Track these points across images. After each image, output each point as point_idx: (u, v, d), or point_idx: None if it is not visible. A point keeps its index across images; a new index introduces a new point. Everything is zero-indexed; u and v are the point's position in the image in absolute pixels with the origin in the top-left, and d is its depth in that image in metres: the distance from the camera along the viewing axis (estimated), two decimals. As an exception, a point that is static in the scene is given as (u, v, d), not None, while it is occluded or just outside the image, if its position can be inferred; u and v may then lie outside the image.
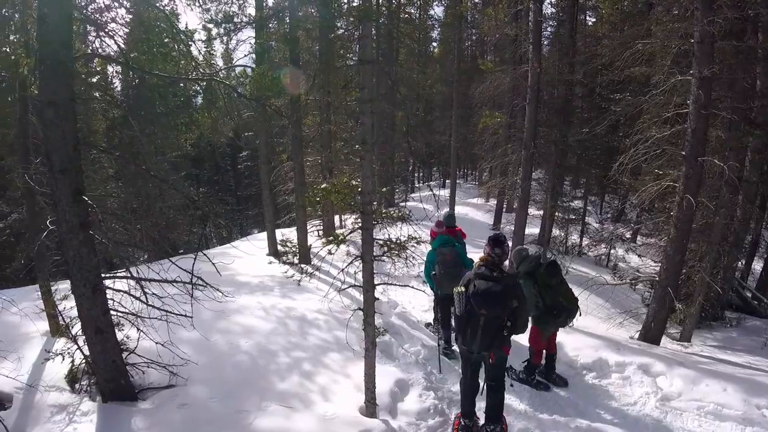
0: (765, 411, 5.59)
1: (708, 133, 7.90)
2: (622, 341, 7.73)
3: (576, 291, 10.03)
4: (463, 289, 4.67)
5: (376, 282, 4.40)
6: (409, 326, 7.84)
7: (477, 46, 29.71)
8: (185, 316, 5.00)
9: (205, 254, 5.09)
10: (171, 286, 4.98)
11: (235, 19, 9.56)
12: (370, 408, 4.83)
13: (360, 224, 3.98)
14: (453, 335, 6.54)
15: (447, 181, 27.40)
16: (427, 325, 8.04)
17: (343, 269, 4.59)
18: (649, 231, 11.20)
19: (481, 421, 5.19)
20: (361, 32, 3.89)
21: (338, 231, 15.67)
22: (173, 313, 5.01)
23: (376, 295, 8.81)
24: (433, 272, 6.84)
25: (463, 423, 5.14)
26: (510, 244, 5.94)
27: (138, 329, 5.10)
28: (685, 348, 8.81)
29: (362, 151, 3.90)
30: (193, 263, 4.85)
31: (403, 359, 6.57)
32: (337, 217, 17.18)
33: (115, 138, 16.81)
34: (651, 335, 8.29)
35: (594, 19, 16.97)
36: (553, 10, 15.64)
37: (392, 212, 4.48)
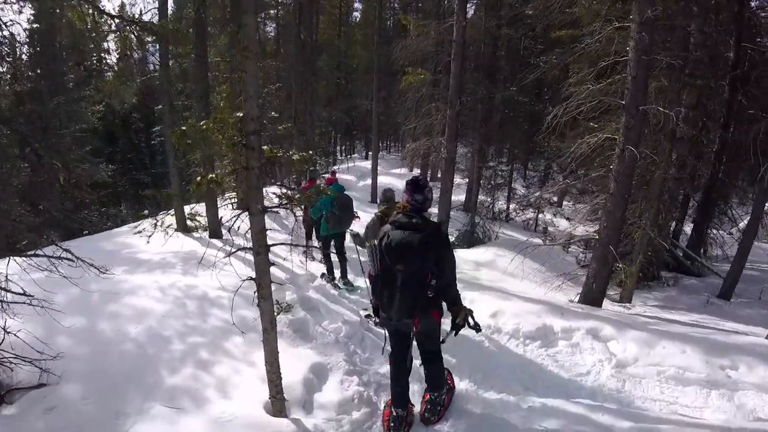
0: (729, 371, 5.17)
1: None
2: (564, 305, 7.10)
3: (509, 255, 9.69)
4: (376, 242, 3.86)
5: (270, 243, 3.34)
6: (329, 300, 6.82)
7: (401, 6, 28.75)
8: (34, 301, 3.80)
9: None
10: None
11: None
12: (277, 404, 3.77)
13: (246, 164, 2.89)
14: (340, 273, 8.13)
15: (370, 153, 26.64)
16: (322, 275, 8.31)
17: (227, 224, 3.41)
18: (578, 192, 10.75)
19: (417, 408, 4.30)
20: None
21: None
22: (27, 296, 3.99)
23: (291, 266, 7.95)
24: (329, 212, 7.80)
25: (394, 413, 4.12)
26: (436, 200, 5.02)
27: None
28: (627, 309, 8.46)
29: (244, 59, 2.78)
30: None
31: (321, 338, 5.54)
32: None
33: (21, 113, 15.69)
34: (592, 297, 7.77)
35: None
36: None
37: (293, 154, 3.34)
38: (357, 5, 33.71)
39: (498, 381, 5.21)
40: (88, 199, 18.20)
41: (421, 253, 3.63)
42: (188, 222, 10.63)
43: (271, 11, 23.85)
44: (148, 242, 8.45)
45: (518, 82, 14.04)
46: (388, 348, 4.22)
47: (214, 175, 3.02)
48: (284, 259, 7.91)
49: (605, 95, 7.62)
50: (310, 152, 3.56)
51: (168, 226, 9.77)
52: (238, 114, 2.98)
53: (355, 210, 8.38)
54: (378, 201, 6.38)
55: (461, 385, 4.95)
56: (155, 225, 9.46)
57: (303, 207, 8.24)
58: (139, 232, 9.14)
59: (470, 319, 3.86)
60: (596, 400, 4.91)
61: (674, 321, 7.40)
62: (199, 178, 3.11)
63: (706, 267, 11.99)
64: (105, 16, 5.77)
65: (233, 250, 3.35)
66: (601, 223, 7.70)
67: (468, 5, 11.90)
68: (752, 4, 11.58)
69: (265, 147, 3.12)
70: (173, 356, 4.89)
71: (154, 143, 32.81)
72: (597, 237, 7.70)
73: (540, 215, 16.34)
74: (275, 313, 3.60)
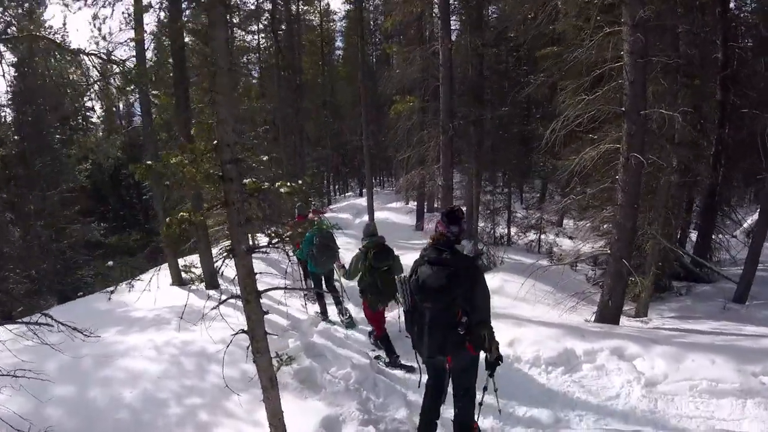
0: (762, 377, 4.89)
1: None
2: (582, 326, 6.73)
3: (517, 279, 9.34)
4: (405, 275, 3.77)
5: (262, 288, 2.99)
6: (335, 344, 6.42)
7: (384, 37, 28.98)
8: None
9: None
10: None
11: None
12: (286, 468, 3.35)
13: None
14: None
15: (364, 190, 26.47)
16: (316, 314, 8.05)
17: (218, 270, 3.07)
18: (582, 208, 10.43)
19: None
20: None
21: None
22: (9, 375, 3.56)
23: (290, 311, 7.56)
24: (310, 253, 7.65)
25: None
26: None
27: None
28: (645, 324, 8.11)
29: (213, 76, 2.49)
30: None
31: (330, 387, 5.12)
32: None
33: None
34: (609, 314, 7.39)
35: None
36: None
37: (280, 186, 3.02)
38: (339, 44, 34.06)
39: (524, 415, 4.84)
40: (82, 260, 18.02)
41: (448, 291, 3.48)
42: (183, 274, 10.27)
43: (252, 54, 23.94)
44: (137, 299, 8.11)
45: (509, 101, 13.92)
46: (424, 379, 4.07)
47: (186, 214, 2.67)
48: (279, 303, 7.60)
49: (603, 104, 7.38)
50: (299, 182, 3.23)
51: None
52: (213, 143, 2.67)
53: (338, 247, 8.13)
54: (362, 236, 6.39)
55: (485, 424, 4.56)
56: (149, 281, 9.12)
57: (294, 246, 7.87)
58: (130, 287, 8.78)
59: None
60: (630, 423, 4.63)
61: (697, 331, 7.08)
62: (168, 219, 2.77)
63: (715, 272, 11.61)
64: (77, 55, 5.51)
65: (222, 299, 2.99)
66: (612, 236, 7.38)
67: (451, 28, 11.84)
68: (731, 5, 11.53)
69: (247, 180, 2.80)
70: (169, 421, 4.52)
71: (146, 198, 32.65)
72: (609, 252, 7.36)
73: (542, 236, 15.99)
74: (275, 368, 3.21)
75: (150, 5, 8.73)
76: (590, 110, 7.38)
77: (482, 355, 3.71)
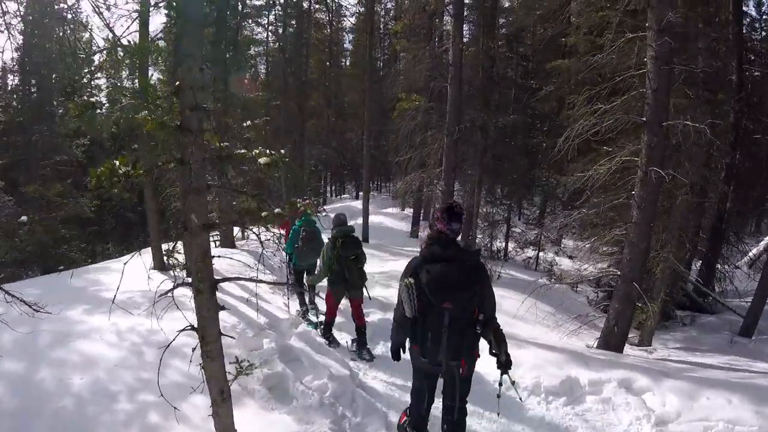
0: None
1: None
2: (586, 353, 6.15)
3: (515, 296, 8.79)
4: (411, 279, 3.37)
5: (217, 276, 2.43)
6: (314, 349, 5.80)
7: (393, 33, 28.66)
8: None
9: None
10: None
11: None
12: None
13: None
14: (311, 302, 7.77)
15: (360, 192, 25.97)
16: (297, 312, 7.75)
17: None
18: (591, 225, 9.86)
19: None
20: None
21: (239, 242, 13.74)
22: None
23: (273, 309, 7.01)
24: (296, 245, 7.48)
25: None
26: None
27: None
28: (650, 354, 7.61)
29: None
30: None
31: (302, 399, 4.51)
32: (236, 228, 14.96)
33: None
34: (614, 341, 6.87)
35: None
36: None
37: (259, 155, 2.45)
38: (347, 45, 33.70)
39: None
40: (69, 234, 17.61)
41: (470, 287, 3.35)
42: (165, 259, 9.76)
43: (260, 47, 23.54)
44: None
45: (516, 110, 13.47)
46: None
47: (125, 167, 2.06)
48: (256, 297, 7.05)
49: (621, 114, 6.87)
50: (282, 152, 2.66)
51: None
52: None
53: None
54: (332, 225, 6.34)
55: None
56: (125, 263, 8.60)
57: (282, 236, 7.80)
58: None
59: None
60: (639, 467, 4.03)
61: (708, 365, 6.58)
62: (94, 170, 2.16)
63: (720, 303, 11.21)
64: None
65: (174, 285, 2.42)
66: (623, 256, 6.82)
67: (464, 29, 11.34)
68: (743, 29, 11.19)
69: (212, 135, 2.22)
70: (116, 419, 4.05)
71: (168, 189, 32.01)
72: (618, 273, 6.82)
73: (541, 253, 15.49)
74: (230, 377, 2.64)
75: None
76: (608, 119, 6.86)
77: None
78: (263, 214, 2.58)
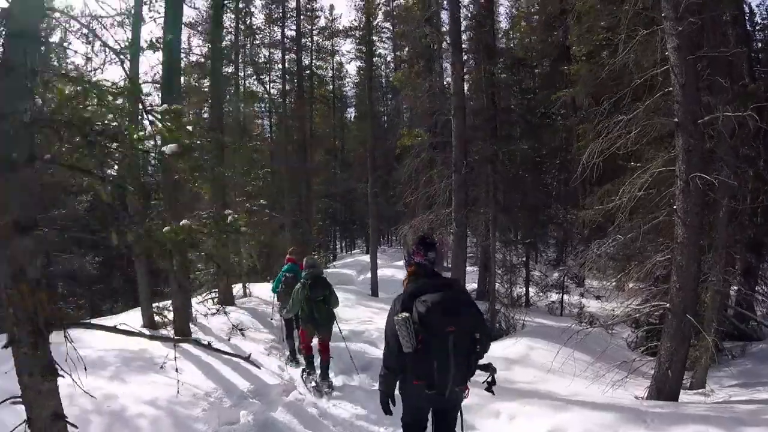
0: None
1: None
2: (640, 407, 4.98)
3: (545, 346, 7.89)
4: (406, 314, 3.21)
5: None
6: (303, 424, 4.78)
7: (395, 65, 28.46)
8: None
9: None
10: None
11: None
12: None
13: None
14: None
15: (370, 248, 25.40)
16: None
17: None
18: (626, 255, 8.76)
19: None
20: None
21: (240, 300, 12.93)
22: None
23: (264, 374, 6.04)
24: (279, 289, 8.04)
25: None
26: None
27: None
28: (707, 397, 6.48)
29: None
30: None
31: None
32: (239, 286, 14.11)
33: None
34: (669, 388, 5.73)
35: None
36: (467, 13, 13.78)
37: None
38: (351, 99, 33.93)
39: None
40: (67, 290, 16.88)
41: (470, 309, 3.38)
42: (156, 317, 8.96)
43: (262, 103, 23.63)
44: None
45: (525, 143, 12.77)
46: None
47: None
48: (245, 361, 6.08)
49: (647, 120, 6.01)
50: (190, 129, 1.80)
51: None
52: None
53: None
54: (304, 270, 6.65)
55: None
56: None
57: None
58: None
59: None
60: None
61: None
62: None
63: (765, 327, 9.94)
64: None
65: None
66: (672, 285, 5.71)
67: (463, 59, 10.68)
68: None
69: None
70: None
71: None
72: (668, 305, 5.73)
73: (565, 296, 14.31)
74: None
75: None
76: (635, 128, 5.99)
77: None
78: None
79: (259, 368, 4.52)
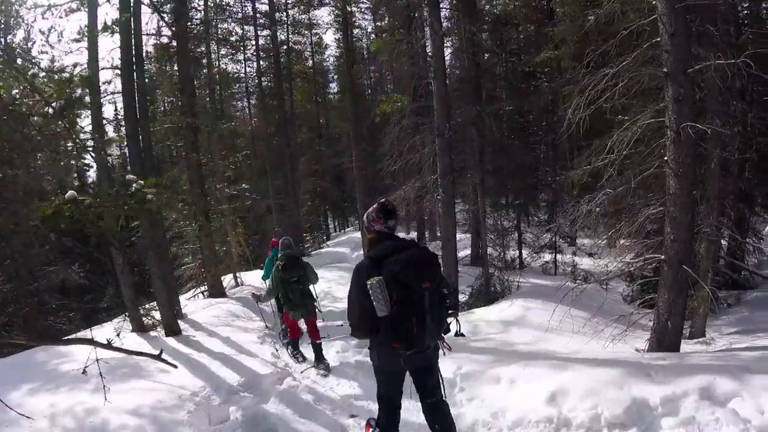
0: None
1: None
2: (644, 361, 4.88)
3: (541, 306, 7.90)
4: (376, 276, 3.24)
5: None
6: (297, 412, 4.65)
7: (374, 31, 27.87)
8: None
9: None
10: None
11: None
12: None
13: None
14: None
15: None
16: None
17: None
18: (616, 209, 8.67)
19: None
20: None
21: (232, 290, 12.81)
22: None
23: (256, 364, 5.95)
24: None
25: None
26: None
27: None
28: (708, 345, 6.52)
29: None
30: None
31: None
32: (229, 276, 13.95)
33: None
34: (669, 339, 5.68)
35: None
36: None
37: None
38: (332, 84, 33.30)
39: None
40: (55, 304, 16.62)
41: (438, 264, 3.52)
42: (144, 320, 8.76)
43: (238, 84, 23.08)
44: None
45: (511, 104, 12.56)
46: None
47: None
48: (238, 351, 6.04)
49: (635, 70, 5.82)
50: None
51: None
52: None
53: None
54: (280, 251, 6.64)
55: None
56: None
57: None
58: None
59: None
60: None
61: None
62: None
63: (759, 276, 10.28)
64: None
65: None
66: (666, 237, 5.59)
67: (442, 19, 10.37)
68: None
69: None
70: None
71: (135, 240, 31.31)
72: (663, 258, 5.62)
73: (559, 256, 14.29)
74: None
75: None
76: (621, 80, 5.81)
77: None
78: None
79: (176, 367, 4.25)
